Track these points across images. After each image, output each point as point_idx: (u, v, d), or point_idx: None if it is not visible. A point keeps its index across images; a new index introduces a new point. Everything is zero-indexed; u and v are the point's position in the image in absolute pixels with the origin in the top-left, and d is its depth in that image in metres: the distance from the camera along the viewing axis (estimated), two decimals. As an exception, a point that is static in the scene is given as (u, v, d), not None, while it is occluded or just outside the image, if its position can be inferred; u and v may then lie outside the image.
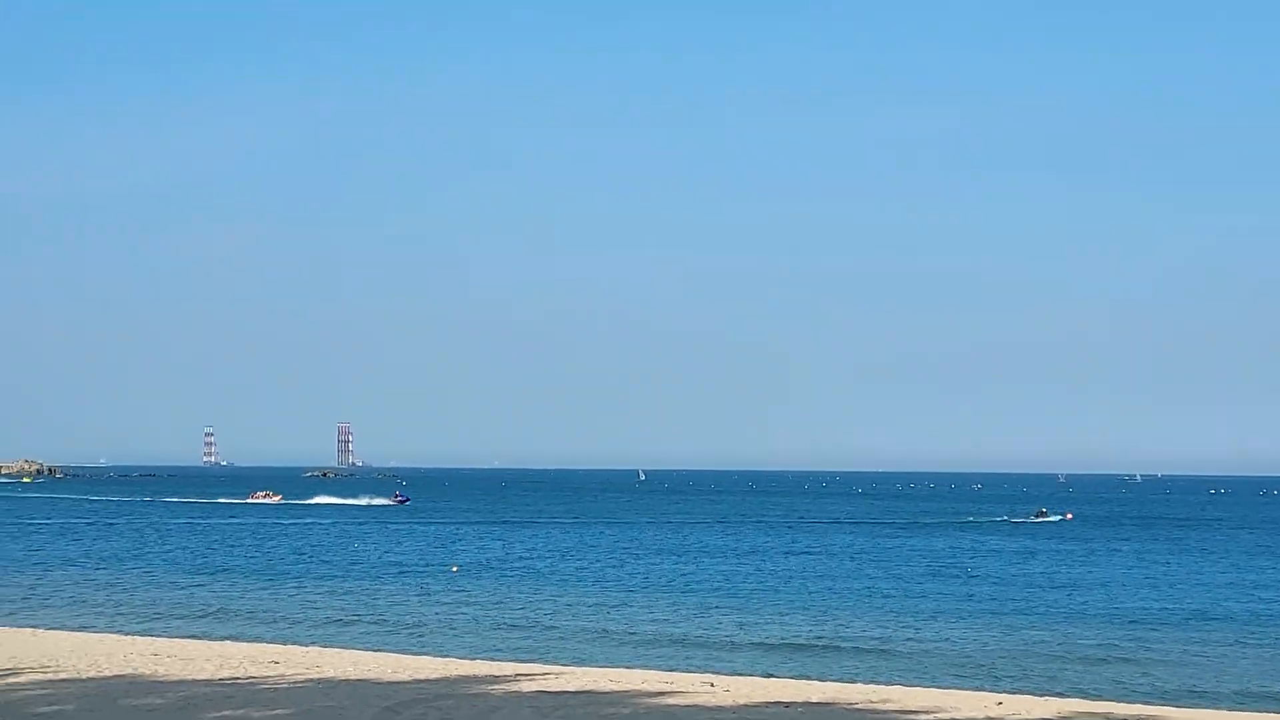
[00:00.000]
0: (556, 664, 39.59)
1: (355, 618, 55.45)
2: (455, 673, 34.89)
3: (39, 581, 69.60)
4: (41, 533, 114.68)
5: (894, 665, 43.36)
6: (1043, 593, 68.32)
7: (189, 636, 46.72)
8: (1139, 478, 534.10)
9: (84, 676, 32.31)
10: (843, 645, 48.07)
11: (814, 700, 31.12)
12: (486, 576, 75.86)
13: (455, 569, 79.92)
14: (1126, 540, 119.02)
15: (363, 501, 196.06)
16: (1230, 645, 49.06)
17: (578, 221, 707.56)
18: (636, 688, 32.50)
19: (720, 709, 29.08)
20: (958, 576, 78.18)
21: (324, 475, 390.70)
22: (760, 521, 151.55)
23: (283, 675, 33.45)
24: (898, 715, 28.86)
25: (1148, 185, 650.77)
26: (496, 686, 31.74)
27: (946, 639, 49.84)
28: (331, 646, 44.07)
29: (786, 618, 56.28)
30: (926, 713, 29.40)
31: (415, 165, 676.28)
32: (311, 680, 32.43)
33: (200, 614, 56.23)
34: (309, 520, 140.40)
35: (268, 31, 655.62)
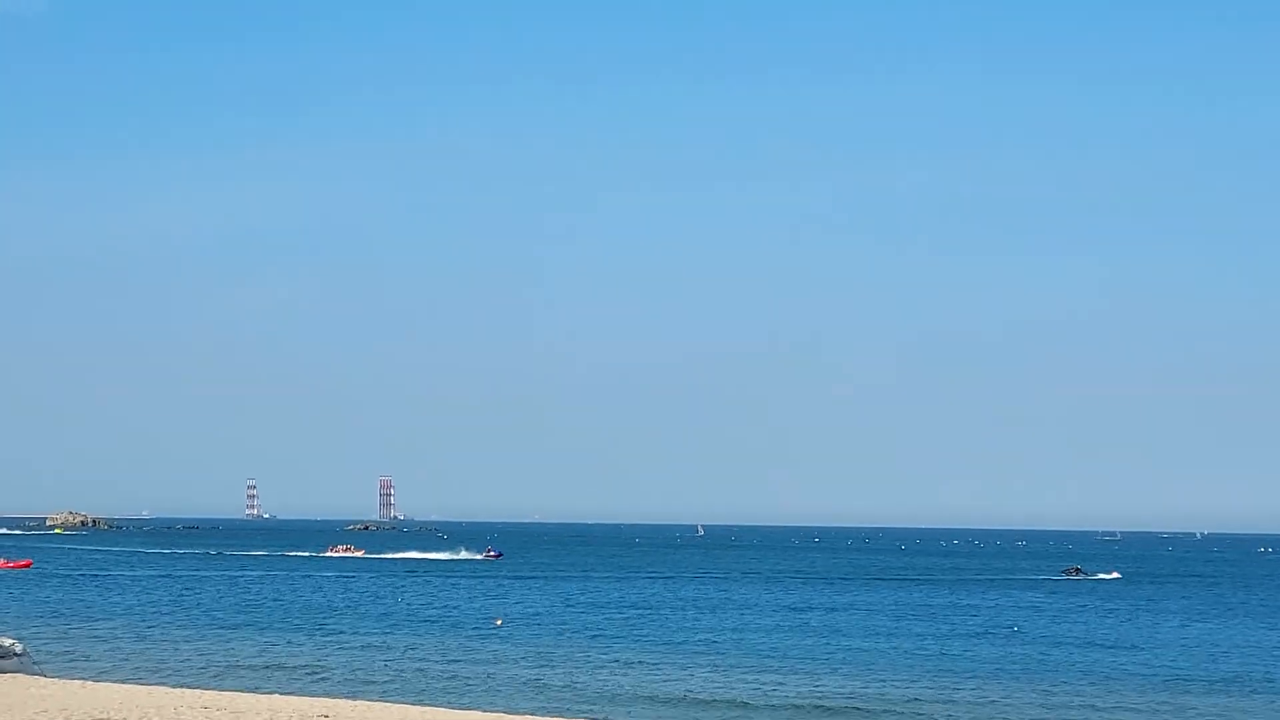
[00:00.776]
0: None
1: (418, 670, 55.66)
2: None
3: (95, 635, 69.93)
4: (100, 585, 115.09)
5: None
6: (1083, 652, 68.07)
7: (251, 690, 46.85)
8: (1200, 535, 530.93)
9: (136, 730, 32.54)
10: (876, 706, 48.06)
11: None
12: (542, 630, 75.96)
13: (499, 622, 79.91)
14: (1172, 599, 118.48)
15: (457, 556, 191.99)
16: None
17: (641, 273, 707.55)
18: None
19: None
20: (1003, 635, 78.05)
21: (365, 528, 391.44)
22: (809, 576, 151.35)
23: (333, 730, 33.62)
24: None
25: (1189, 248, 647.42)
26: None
27: (986, 698, 49.78)
28: (380, 700, 44.22)
29: (822, 679, 56.28)
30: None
31: (464, 218, 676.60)
32: (362, 734, 32.58)
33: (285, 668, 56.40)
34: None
35: (317, 83, 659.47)
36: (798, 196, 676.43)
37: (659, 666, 58.56)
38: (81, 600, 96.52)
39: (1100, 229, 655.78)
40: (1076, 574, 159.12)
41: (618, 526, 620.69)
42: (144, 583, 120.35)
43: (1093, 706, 47.33)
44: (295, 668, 56.17)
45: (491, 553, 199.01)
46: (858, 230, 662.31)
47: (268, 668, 55.91)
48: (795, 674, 56.10)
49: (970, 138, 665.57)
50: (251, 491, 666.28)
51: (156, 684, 47.65)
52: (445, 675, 54.29)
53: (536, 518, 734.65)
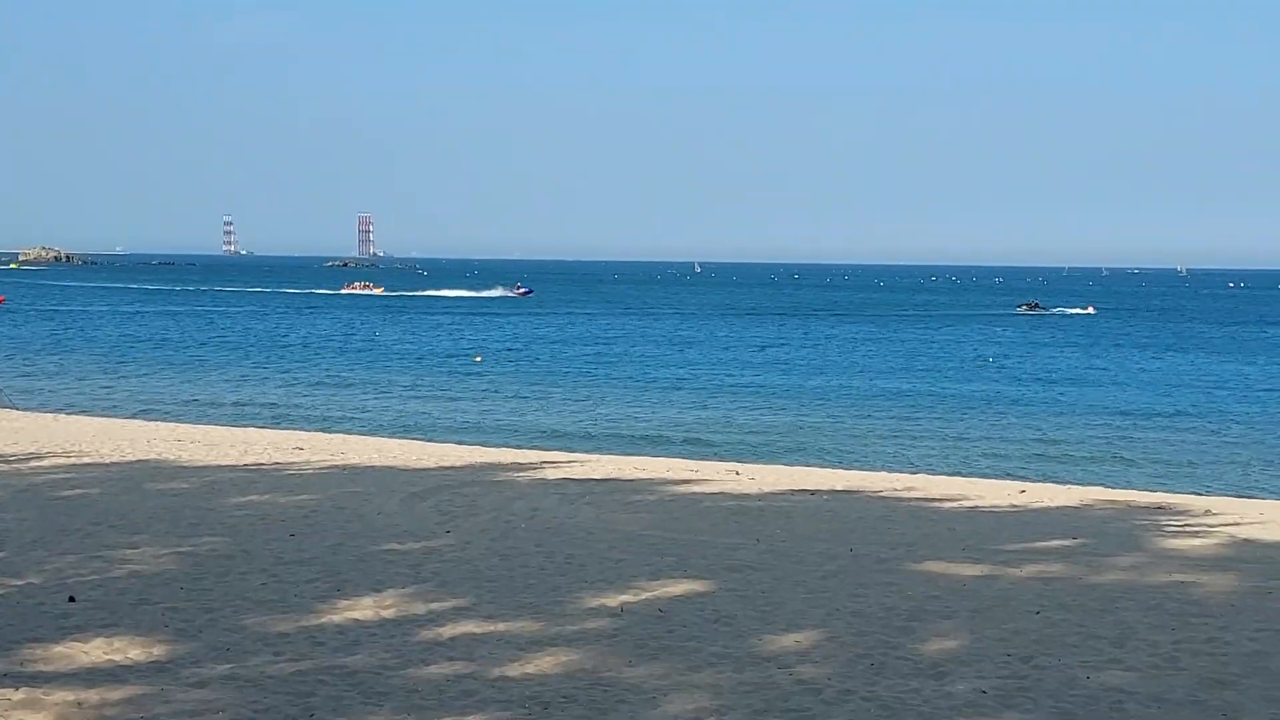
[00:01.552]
0: (583, 452, 39.68)
1: (395, 405, 55.74)
2: (480, 460, 34.94)
3: (63, 371, 69.85)
4: (75, 321, 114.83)
5: (917, 454, 43.40)
6: (1059, 386, 68.31)
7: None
8: (1184, 270, 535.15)
9: (107, 461, 32.39)
10: (865, 434, 48.21)
11: (839, 488, 31.12)
12: (515, 366, 76.13)
13: (479, 359, 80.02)
14: (1138, 332, 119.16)
15: (486, 293, 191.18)
16: (1241, 436, 49.08)
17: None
18: (662, 476, 32.53)
19: (746, 496, 29.09)
20: (968, 369, 78.39)
21: (345, 265, 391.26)
22: (786, 314, 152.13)
23: (308, 461, 33.52)
24: (923, 503, 28.83)
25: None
26: (521, 474, 31.76)
27: (967, 429, 49.95)
28: (356, 434, 44.25)
29: (807, 410, 56.44)
30: (951, 500, 29.38)
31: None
32: (336, 467, 32.49)
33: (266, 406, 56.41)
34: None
35: None
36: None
37: (633, 403, 58.69)
38: (55, 336, 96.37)
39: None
40: (1034, 309, 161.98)
41: (610, 264, 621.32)
42: (121, 319, 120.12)
43: (1043, 438, 47.42)
44: (268, 404, 56.16)
45: (520, 289, 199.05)
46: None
47: (242, 404, 55.88)
48: (764, 409, 56.22)
49: None
50: (228, 228, 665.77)
51: (129, 418, 47.58)
52: (418, 412, 54.32)
53: (517, 255, 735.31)
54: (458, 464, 33.72)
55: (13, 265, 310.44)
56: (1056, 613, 18.02)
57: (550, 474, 31.97)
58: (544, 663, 15.36)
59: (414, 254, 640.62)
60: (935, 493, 30.79)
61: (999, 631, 17.02)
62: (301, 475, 30.77)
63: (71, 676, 14.47)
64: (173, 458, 33.59)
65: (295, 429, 45.45)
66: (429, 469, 32.43)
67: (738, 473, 33.89)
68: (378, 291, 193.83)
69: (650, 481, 31.16)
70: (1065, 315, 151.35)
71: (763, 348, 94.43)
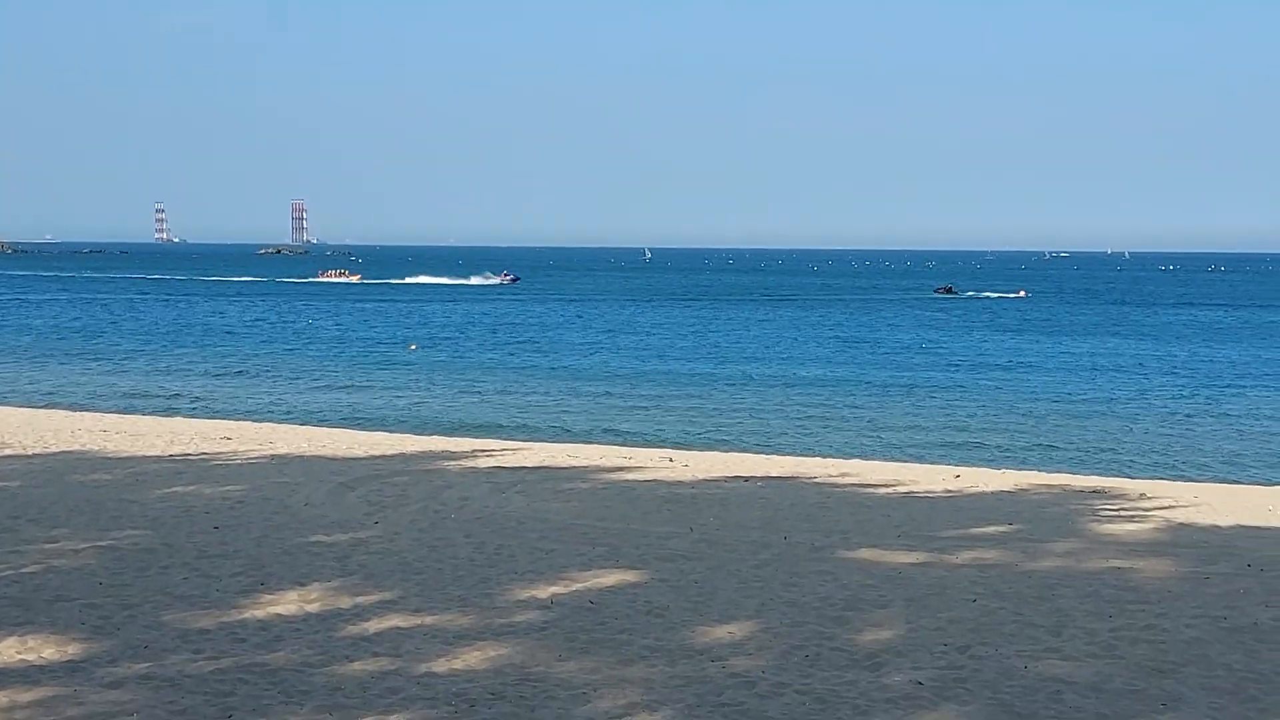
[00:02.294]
0: (515, 439, 39.36)
1: (326, 392, 55.17)
2: (411, 449, 34.52)
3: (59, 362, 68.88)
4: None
5: (850, 440, 43.22)
6: (990, 371, 68.40)
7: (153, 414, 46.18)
8: (1128, 255, 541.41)
9: (29, 453, 31.80)
10: (798, 420, 47.99)
11: (774, 474, 30.91)
12: (449, 353, 75.64)
13: (413, 347, 79.46)
14: (1069, 317, 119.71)
15: (472, 281, 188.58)
16: (1171, 421, 49.18)
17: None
18: (595, 463, 32.23)
19: (679, 483, 28.81)
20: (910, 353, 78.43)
21: (278, 252, 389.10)
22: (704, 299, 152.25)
23: (235, 451, 33.02)
24: (857, 489, 28.65)
25: None
26: (452, 462, 31.40)
27: (901, 415, 49.82)
28: (285, 423, 43.73)
29: (737, 394, 56.19)
30: (886, 486, 29.21)
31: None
32: (265, 457, 32.01)
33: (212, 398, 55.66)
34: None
35: None
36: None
37: (544, 393, 58.33)
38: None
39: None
40: (948, 293, 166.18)
41: (555, 250, 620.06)
42: (50, 307, 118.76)
43: (975, 422, 47.35)
44: (195, 393, 55.44)
45: (507, 276, 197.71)
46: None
47: (170, 394, 55.13)
48: (693, 396, 55.96)
49: None
50: (160, 215, 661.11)
51: (54, 409, 46.83)
52: (350, 400, 53.76)
53: (453, 241, 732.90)
54: (388, 453, 33.31)
55: None
56: (993, 601, 17.81)
57: (482, 462, 31.62)
58: (472, 658, 15.01)
59: (348, 241, 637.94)
60: (870, 479, 30.61)
61: (935, 621, 16.79)
62: (228, 466, 30.30)
63: (-19, 677, 14.04)
64: (97, 449, 33.03)
65: (224, 418, 44.82)
66: (359, 458, 32.01)
67: (671, 459, 33.61)
68: (355, 279, 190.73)
69: (583, 469, 30.86)
70: (992, 299, 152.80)
71: (684, 334, 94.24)
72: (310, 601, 17.40)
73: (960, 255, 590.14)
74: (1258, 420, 48.71)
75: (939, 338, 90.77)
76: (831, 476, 30.86)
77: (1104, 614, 17.10)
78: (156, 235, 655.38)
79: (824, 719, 13.30)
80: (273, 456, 32.10)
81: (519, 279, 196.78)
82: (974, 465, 36.14)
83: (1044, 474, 33.84)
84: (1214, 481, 34.20)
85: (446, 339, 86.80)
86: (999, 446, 42.15)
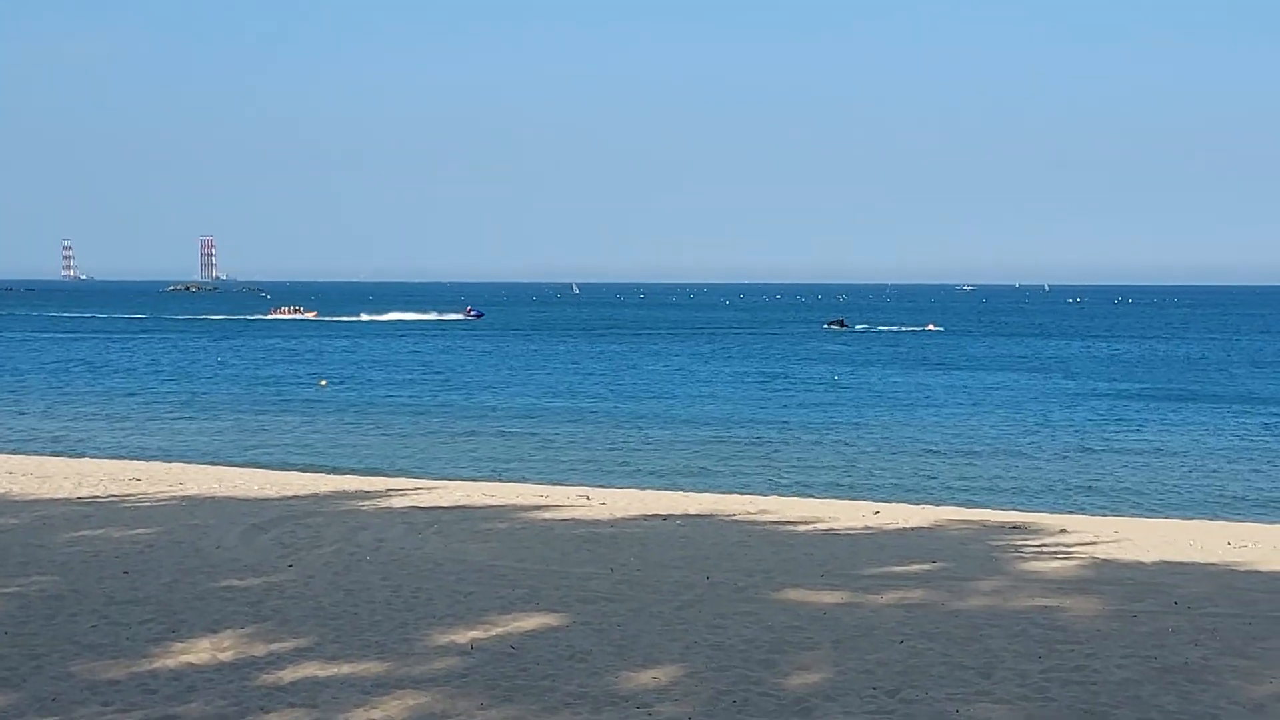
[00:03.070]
0: (431, 478, 38.93)
1: (235, 429, 54.48)
2: (324, 488, 34.04)
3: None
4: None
5: (767, 476, 43.06)
6: (901, 405, 68.58)
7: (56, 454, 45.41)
8: (1047, 288, 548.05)
9: (-67, 497, 31.12)
10: (714, 457, 47.82)
11: (692, 512, 30.67)
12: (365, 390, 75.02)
13: (323, 383, 78.83)
14: (987, 350, 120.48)
15: (435, 316, 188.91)
16: (1095, 454, 49.37)
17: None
18: (512, 502, 31.89)
19: (597, 522, 28.51)
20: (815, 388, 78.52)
21: (187, 289, 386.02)
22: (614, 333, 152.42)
23: (144, 493, 32.42)
24: (778, 526, 28.43)
25: None
26: (367, 502, 30.95)
27: (815, 450, 49.76)
28: (196, 463, 43.10)
29: (650, 429, 56.00)
30: (805, 523, 29.01)
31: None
32: (175, 498, 31.45)
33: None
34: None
35: None
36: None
37: (482, 427, 57.95)
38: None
39: None
40: (840, 326, 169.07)
41: (478, 285, 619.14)
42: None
43: (886, 456, 47.36)
44: (104, 433, 54.62)
45: (471, 312, 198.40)
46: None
47: (77, 434, 54.27)
48: (601, 430, 55.73)
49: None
50: (67, 252, 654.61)
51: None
52: (261, 439, 53.11)
53: (363, 277, 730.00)
54: (301, 493, 32.81)
55: None
56: (920, 642, 17.57)
57: (397, 502, 31.18)
58: (391, 707, 14.59)
59: (257, 277, 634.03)
60: (790, 515, 30.42)
61: (863, 663, 16.52)
62: (138, 508, 29.71)
63: (-121, 735, 13.53)
64: (2, 491, 32.35)
65: (133, 459, 44.12)
66: (271, 499, 31.49)
67: (589, 497, 33.33)
68: (310, 316, 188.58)
69: (500, 508, 30.49)
70: (901, 332, 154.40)
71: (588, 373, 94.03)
72: (223, 649, 16.93)
73: (866, 289, 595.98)
74: (1169, 453, 48.98)
75: (848, 372, 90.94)
76: (751, 514, 30.64)
77: (1034, 654, 16.89)
78: (63, 273, 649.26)
79: (754, 767, 13.02)
80: (183, 498, 31.55)
81: (482, 314, 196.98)
82: (892, 501, 36.06)
83: (962, 509, 33.83)
84: (1132, 516, 34.28)
85: (373, 377, 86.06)
86: (918, 481, 42.12)
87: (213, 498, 31.66)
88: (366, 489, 34.06)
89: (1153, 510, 36.36)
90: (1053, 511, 34.89)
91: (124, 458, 44.81)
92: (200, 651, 16.83)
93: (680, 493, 36.95)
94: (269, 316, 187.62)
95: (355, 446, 50.19)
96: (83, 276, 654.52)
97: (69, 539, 25.07)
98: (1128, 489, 41.08)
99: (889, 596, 20.42)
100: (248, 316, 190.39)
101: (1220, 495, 39.97)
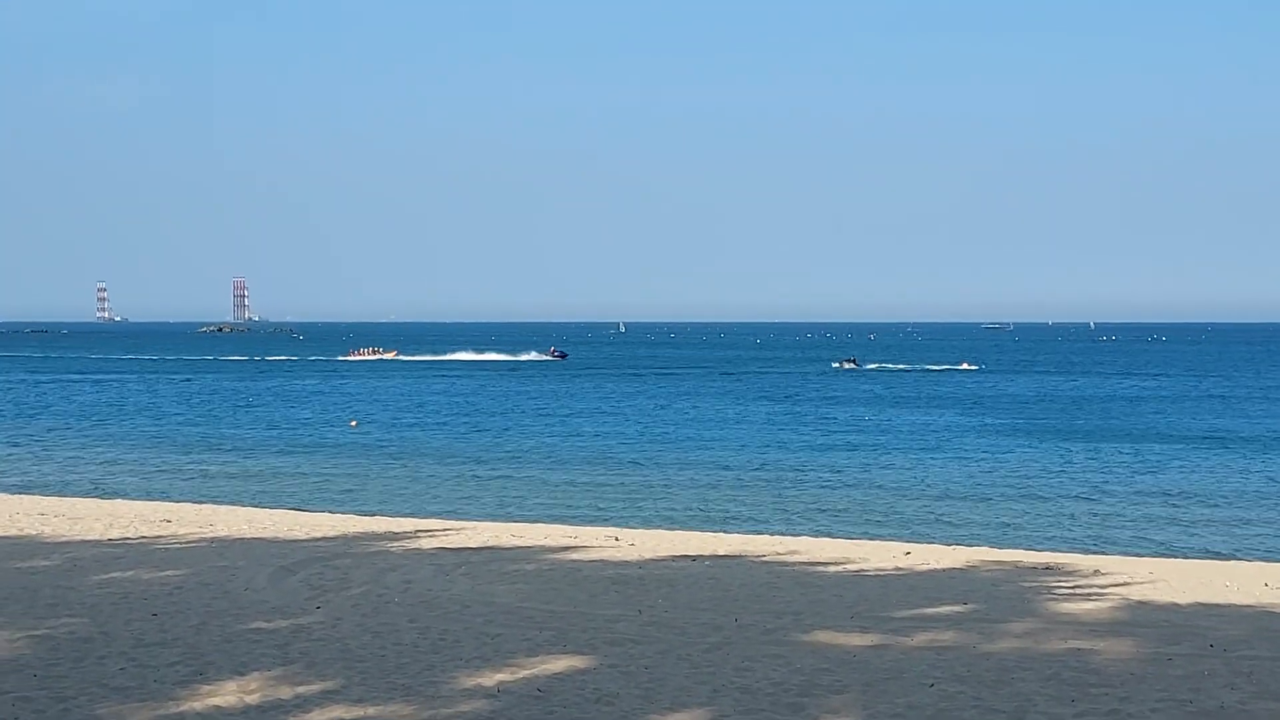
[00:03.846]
0: (459, 519, 38.86)
1: (262, 473, 54.56)
2: (354, 529, 34.02)
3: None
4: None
5: (798, 516, 42.88)
6: (933, 445, 68.31)
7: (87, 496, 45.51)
8: (1093, 325, 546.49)
9: (-36, 539, 31.17)
10: (743, 497, 47.65)
11: (720, 553, 30.55)
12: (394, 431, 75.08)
13: (354, 424, 78.93)
14: (1019, 389, 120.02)
15: (521, 357, 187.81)
16: (1124, 502, 49.10)
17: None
18: (540, 543, 31.80)
19: (626, 563, 28.41)
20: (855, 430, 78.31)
21: (219, 330, 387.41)
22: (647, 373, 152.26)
23: (175, 535, 32.44)
24: (807, 567, 28.29)
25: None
26: (396, 544, 30.91)
27: (845, 491, 49.57)
28: (226, 504, 43.13)
29: (680, 470, 55.88)
30: (836, 564, 28.87)
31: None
32: (205, 540, 31.45)
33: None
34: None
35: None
36: None
37: (511, 468, 57.88)
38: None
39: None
40: (850, 365, 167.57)
41: (526, 325, 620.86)
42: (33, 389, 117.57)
43: (900, 499, 47.15)
44: (137, 474, 54.76)
45: (555, 352, 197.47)
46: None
47: (109, 475, 54.40)
48: (647, 466, 55.60)
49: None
50: (102, 294, 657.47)
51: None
52: (292, 479, 53.16)
53: (393, 317, 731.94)
54: (330, 534, 32.79)
55: None
56: (951, 685, 17.42)
57: (425, 543, 31.14)
58: (417, 751, 14.52)
59: (289, 317, 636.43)
60: (820, 556, 30.28)
61: (893, 706, 16.38)
62: (168, 550, 29.72)
63: (-95, 779, 13.49)
64: (34, 533, 32.40)
65: (164, 500, 44.18)
66: (300, 540, 31.47)
67: (617, 538, 33.23)
68: (390, 356, 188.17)
69: (528, 549, 30.41)
70: (936, 371, 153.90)
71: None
72: (250, 692, 16.87)
73: (893, 326, 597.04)
74: (1202, 494, 48.65)
75: (879, 413, 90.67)
76: (780, 554, 30.51)
77: (1066, 698, 16.73)
78: (98, 314, 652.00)
79: (782, 812, 12.90)
80: (213, 539, 31.55)
81: (565, 355, 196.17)
82: (924, 541, 35.88)
83: (995, 550, 33.60)
84: (1167, 556, 34.04)
85: (401, 419, 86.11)
86: (948, 521, 41.91)
87: (242, 539, 31.66)
88: (395, 530, 34.03)
89: (1188, 551, 36.09)
90: (1086, 552, 34.70)
91: (155, 499, 44.86)
92: (227, 694, 16.77)
93: (709, 533, 36.80)
94: (348, 358, 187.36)
95: (385, 486, 50.17)
96: (117, 318, 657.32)
97: (99, 581, 25.08)
98: (1161, 529, 40.82)
99: (919, 638, 20.28)
100: (324, 358, 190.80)
101: (1256, 536, 39.68)
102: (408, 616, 21.82)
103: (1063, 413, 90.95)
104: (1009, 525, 41.26)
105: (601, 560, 28.83)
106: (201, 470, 55.99)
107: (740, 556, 29.95)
